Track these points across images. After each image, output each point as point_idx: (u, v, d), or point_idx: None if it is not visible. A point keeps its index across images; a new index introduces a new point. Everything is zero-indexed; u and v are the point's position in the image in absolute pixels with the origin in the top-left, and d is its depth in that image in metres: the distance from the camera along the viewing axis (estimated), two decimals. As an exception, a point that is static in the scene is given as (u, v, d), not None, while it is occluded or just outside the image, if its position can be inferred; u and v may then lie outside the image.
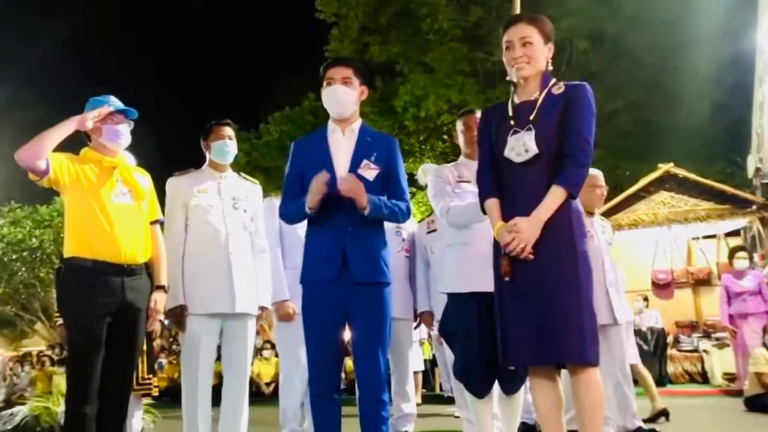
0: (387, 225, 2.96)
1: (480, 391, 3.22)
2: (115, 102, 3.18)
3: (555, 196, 2.36)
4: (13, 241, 17.75)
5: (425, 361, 9.62)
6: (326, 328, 2.73)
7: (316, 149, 2.84)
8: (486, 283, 2.86)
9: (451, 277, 3.35)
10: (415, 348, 7.71)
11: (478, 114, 3.50)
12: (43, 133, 2.89)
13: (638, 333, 9.33)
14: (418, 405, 5.75)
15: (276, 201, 3.75)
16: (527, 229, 2.34)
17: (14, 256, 17.94)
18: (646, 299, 10.51)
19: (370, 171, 2.77)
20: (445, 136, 17.64)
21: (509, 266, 2.38)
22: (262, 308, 3.64)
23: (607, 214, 11.86)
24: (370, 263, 2.73)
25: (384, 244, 2.83)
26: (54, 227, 17.10)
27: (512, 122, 2.52)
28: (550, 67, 2.59)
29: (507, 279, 2.40)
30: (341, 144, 2.83)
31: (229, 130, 3.61)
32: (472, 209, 3.24)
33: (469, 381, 3.24)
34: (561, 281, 2.34)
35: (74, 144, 3.17)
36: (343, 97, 2.83)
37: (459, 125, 3.55)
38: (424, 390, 9.10)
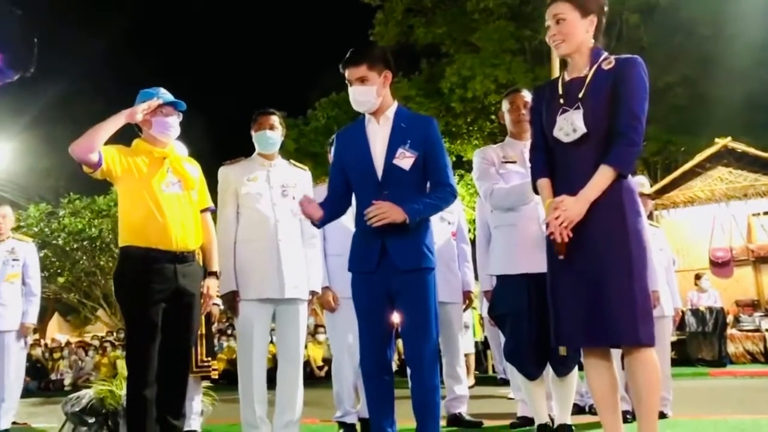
0: None
1: (531, 373, 3.21)
2: (164, 94, 3.26)
3: (603, 176, 2.32)
4: (73, 231, 18.38)
5: (477, 343, 9.62)
6: (373, 314, 2.77)
7: (355, 140, 2.86)
8: (535, 265, 2.83)
9: (500, 260, 3.33)
10: (466, 330, 7.72)
11: (524, 93, 3.47)
12: (94, 128, 2.99)
13: (695, 313, 9.14)
14: (470, 387, 5.76)
15: (320, 189, 3.80)
16: (572, 208, 2.31)
17: (75, 246, 18.58)
18: (698, 277, 10.22)
19: (405, 160, 2.75)
20: (493, 117, 17.40)
21: (564, 245, 2.35)
22: (313, 293, 3.70)
23: (662, 192, 11.57)
24: (411, 251, 2.73)
25: (425, 230, 2.80)
26: (111, 217, 17.63)
27: (561, 101, 2.47)
28: (600, 42, 2.52)
29: (561, 258, 2.38)
30: (377, 133, 2.83)
31: (272, 120, 3.65)
32: (516, 191, 3.21)
33: (520, 363, 3.23)
34: (613, 261, 2.31)
35: (127, 136, 3.27)
36: (361, 98, 2.82)
37: (505, 105, 3.53)
38: (477, 372, 9.10)
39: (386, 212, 2.63)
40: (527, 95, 3.42)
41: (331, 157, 3.12)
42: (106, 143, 3.07)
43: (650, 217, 5.27)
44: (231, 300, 3.48)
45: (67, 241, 18.46)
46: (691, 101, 16.62)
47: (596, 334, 2.34)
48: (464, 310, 4.59)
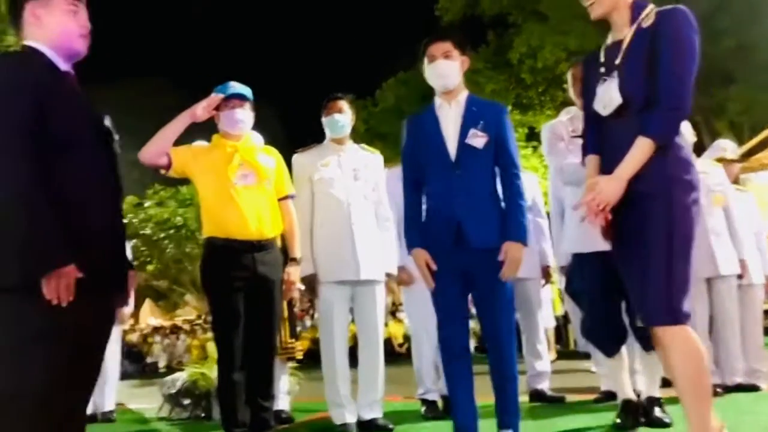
0: None
1: (609, 349, 3.17)
2: (232, 87, 3.31)
3: (640, 149, 2.08)
4: (160, 221, 19.20)
5: (557, 317, 9.50)
6: (449, 292, 2.78)
7: (426, 124, 2.88)
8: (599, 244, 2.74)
9: (575, 237, 3.28)
10: (546, 305, 7.64)
11: None
12: (159, 133, 3.11)
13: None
14: (553, 361, 5.71)
15: (395, 170, 3.83)
16: (606, 189, 2.09)
17: (162, 235, 19.44)
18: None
19: (478, 139, 2.77)
20: (565, 86, 16.98)
21: (606, 228, 2.20)
22: (389, 274, 3.77)
23: (749, 154, 11.00)
24: (485, 230, 2.73)
25: (499, 209, 2.80)
26: (195, 205, 18.28)
27: (602, 69, 2.24)
28: None
29: (607, 240, 2.24)
30: (449, 116, 2.85)
31: (340, 104, 3.71)
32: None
33: (597, 340, 3.19)
34: (651, 239, 2.09)
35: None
36: (446, 71, 2.85)
37: (569, 77, 3.43)
38: (558, 346, 9.00)
39: (515, 266, 2.69)
40: None
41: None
42: (185, 141, 3.20)
43: (736, 181, 5.03)
44: (311, 283, 3.60)
45: (154, 230, 19.31)
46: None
47: (643, 315, 2.17)
48: (543, 285, 4.55)
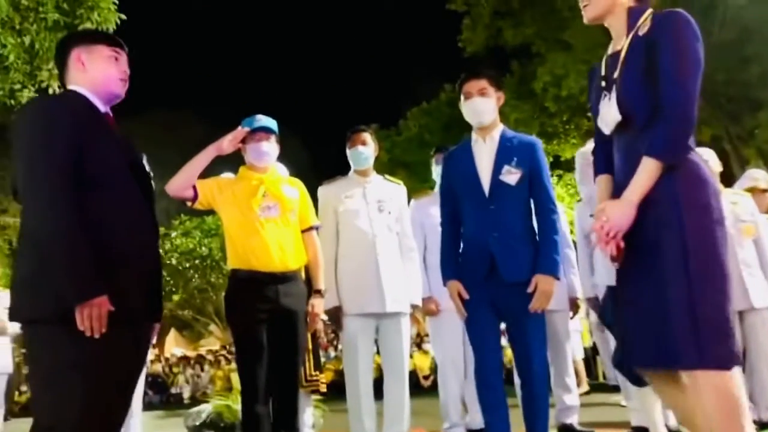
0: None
1: (641, 380, 3.09)
2: (257, 121, 3.34)
3: (646, 170, 1.89)
4: (185, 251, 19.39)
5: (586, 349, 9.33)
6: (482, 322, 2.83)
7: (461, 160, 2.98)
8: None
9: (607, 269, 3.22)
10: (574, 337, 7.51)
11: None
12: (186, 166, 3.16)
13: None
14: (584, 394, 5.59)
15: (422, 201, 3.85)
16: (615, 214, 1.91)
17: (187, 265, 19.61)
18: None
19: (511, 176, 2.84)
20: (590, 114, 16.93)
21: (618, 255, 1.99)
22: (414, 305, 3.76)
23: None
24: (518, 264, 2.79)
25: (532, 243, 2.86)
26: (220, 235, 18.46)
27: (603, 83, 2.06)
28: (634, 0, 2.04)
29: (617, 266, 2.03)
30: (483, 152, 2.94)
31: (363, 137, 3.74)
32: None
33: (629, 371, 3.12)
34: (666, 270, 1.87)
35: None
36: (481, 108, 2.94)
37: None
38: (588, 378, 8.82)
39: (546, 299, 2.75)
40: None
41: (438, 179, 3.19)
42: (211, 173, 3.23)
43: (768, 211, 4.92)
44: (335, 315, 3.59)
45: (179, 260, 19.49)
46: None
47: (654, 356, 1.92)
48: (571, 317, 4.47)
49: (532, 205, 2.91)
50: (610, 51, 2.10)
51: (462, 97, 2.99)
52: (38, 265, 1.91)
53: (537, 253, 2.80)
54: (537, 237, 2.87)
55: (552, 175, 16.72)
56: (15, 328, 5.06)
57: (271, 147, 3.37)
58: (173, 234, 20.21)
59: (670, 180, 1.89)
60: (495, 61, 17.92)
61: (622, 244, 1.96)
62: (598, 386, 8.40)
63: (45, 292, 1.90)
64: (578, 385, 5.49)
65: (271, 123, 3.38)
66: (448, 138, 17.50)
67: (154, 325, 2.29)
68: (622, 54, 1.99)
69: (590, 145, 3.44)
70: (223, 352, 17.72)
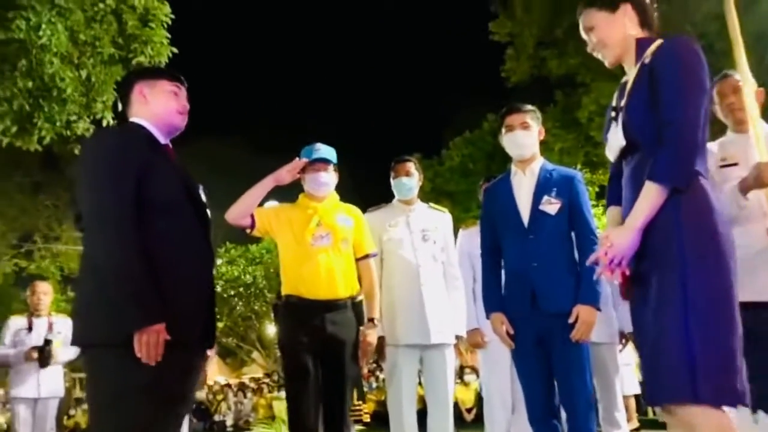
0: None
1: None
2: (316, 151, 3.39)
3: (648, 196, 1.85)
4: (230, 278, 19.64)
5: (641, 383, 9.06)
6: (529, 358, 2.82)
7: (501, 192, 3.01)
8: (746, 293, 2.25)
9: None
10: (627, 371, 7.31)
11: (735, 76, 2.83)
12: (245, 195, 3.25)
13: None
14: (634, 430, 5.40)
15: (470, 231, 3.83)
16: (617, 241, 1.88)
17: (232, 293, 19.85)
18: None
19: (551, 206, 2.86)
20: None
21: (623, 285, 1.98)
22: (459, 336, 3.72)
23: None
24: (559, 294, 2.78)
25: (574, 273, 2.83)
26: (264, 264, 18.68)
27: (612, 113, 2.08)
28: (653, 29, 2.06)
29: (627, 299, 2.02)
30: (523, 183, 2.97)
31: (407, 167, 3.75)
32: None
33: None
34: (664, 300, 1.81)
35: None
36: (523, 141, 2.99)
37: (714, 95, 3.00)
38: (637, 414, 8.55)
39: (587, 329, 2.73)
40: (736, 78, 2.82)
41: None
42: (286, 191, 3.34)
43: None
44: (378, 345, 3.52)
45: (224, 288, 19.74)
46: None
47: (650, 389, 1.87)
48: (621, 350, 4.36)
49: (573, 237, 2.90)
50: (621, 82, 2.13)
51: (503, 130, 3.02)
52: (100, 290, 1.99)
53: (578, 284, 2.78)
54: (578, 267, 2.84)
55: (597, 205, 16.48)
56: (65, 355, 5.18)
57: (329, 177, 3.42)
58: (219, 261, 20.52)
59: (673, 206, 1.84)
60: (539, 90, 17.86)
61: (627, 272, 1.93)
62: (649, 422, 8.13)
63: (106, 316, 1.98)
64: (628, 420, 5.31)
65: (330, 153, 3.43)
66: (491, 167, 17.45)
67: (208, 352, 2.38)
68: (629, 83, 2.01)
69: (709, 146, 3.12)
70: (266, 379, 17.79)
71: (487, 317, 2.95)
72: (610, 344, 4.16)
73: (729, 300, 1.79)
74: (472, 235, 4.11)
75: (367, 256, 3.46)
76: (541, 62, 18.58)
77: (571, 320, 2.70)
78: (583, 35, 2.16)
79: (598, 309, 2.78)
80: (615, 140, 2.03)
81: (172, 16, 6.58)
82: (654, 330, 1.83)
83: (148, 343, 1.93)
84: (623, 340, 4.28)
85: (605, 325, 4.11)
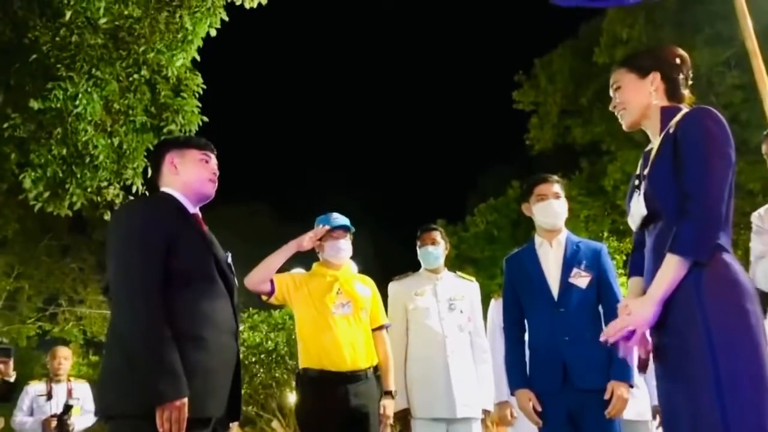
0: None
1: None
2: (335, 219, 3.44)
3: (669, 268, 1.81)
4: (252, 345, 19.47)
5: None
6: None
7: (526, 263, 2.94)
8: None
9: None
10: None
11: None
12: (266, 260, 3.24)
13: None
14: None
15: (501, 301, 3.75)
16: (637, 312, 1.84)
17: (253, 359, 19.61)
18: None
19: (581, 279, 2.81)
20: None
21: (643, 360, 1.95)
22: (486, 411, 3.60)
23: None
24: (591, 370, 2.69)
25: (605, 348, 2.69)
26: (286, 330, 18.51)
27: (636, 182, 2.07)
28: (681, 99, 2.06)
29: (643, 372, 2.01)
30: (549, 255, 2.90)
31: (433, 236, 3.73)
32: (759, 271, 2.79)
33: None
34: (694, 376, 1.76)
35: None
36: (558, 210, 2.95)
37: (763, 149, 3.03)
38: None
39: (621, 406, 2.65)
40: None
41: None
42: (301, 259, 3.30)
43: None
44: (403, 417, 3.47)
45: (246, 354, 19.55)
46: None
47: None
48: (657, 427, 4.18)
49: (601, 311, 2.83)
50: (645, 150, 2.12)
51: (534, 199, 2.97)
52: (125, 362, 1.99)
53: (610, 359, 2.68)
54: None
55: (624, 274, 16.26)
56: (82, 424, 5.11)
57: (347, 244, 3.44)
58: (241, 327, 20.43)
59: (695, 280, 1.80)
60: (563, 158, 17.92)
61: (649, 347, 1.91)
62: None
63: (130, 388, 1.96)
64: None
65: (347, 221, 3.47)
66: (516, 235, 17.36)
67: (231, 424, 2.33)
68: (653, 152, 1.99)
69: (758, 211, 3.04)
70: (285, 450, 17.37)
71: (512, 393, 2.86)
72: (645, 422, 4.00)
73: (761, 375, 1.75)
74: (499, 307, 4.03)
75: (381, 327, 3.45)
76: (565, 130, 18.71)
77: (606, 396, 2.61)
78: (610, 92, 2.17)
79: (632, 386, 2.71)
80: (637, 209, 2.01)
81: (204, 86, 6.74)
82: (687, 406, 1.79)
83: (170, 419, 1.91)
84: (656, 416, 4.12)
85: (639, 402, 3.96)
